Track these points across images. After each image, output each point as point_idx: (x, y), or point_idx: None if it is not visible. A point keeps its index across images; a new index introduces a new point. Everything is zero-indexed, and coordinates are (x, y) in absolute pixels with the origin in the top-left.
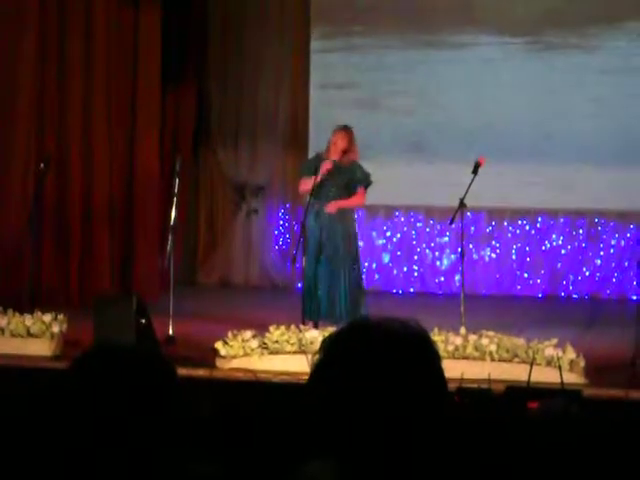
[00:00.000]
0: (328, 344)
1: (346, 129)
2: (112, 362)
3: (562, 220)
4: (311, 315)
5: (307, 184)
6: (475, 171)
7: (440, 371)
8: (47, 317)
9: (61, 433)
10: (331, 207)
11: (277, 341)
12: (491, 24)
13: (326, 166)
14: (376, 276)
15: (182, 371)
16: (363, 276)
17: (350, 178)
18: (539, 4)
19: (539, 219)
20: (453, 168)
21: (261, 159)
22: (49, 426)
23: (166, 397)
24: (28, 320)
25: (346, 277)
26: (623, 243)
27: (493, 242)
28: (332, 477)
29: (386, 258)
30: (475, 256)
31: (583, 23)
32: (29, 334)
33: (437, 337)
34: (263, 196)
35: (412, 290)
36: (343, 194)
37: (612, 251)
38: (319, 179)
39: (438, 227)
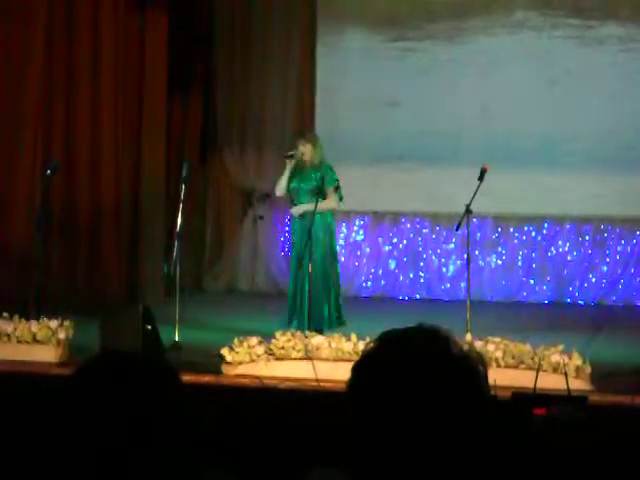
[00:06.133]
0: (362, 364)
1: (304, 136)
2: (116, 368)
3: (568, 226)
4: (293, 321)
5: (278, 184)
6: (481, 177)
7: (482, 393)
8: (53, 323)
9: (64, 439)
10: (295, 210)
11: (283, 347)
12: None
13: (288, 161)
14: (382, 282)
15: (188, 377)
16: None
17: (320, 182)
18: None
19: (545, 225)
20: (459, 174)
21: (268, 165)
22: (52, 432)
23: (169, 403)
24: (34, 326)
25: (327, 282)
26: (629, 249)
27: (499, 248)
28: None
29: (392, 264)
30: (481, 262)
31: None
32: (35, 340)
33: None
34: (270, 202)
35: (418, 296)
36: (315, 198)
37: (618, 257)
38: (287, 173)
39: (444, 233)
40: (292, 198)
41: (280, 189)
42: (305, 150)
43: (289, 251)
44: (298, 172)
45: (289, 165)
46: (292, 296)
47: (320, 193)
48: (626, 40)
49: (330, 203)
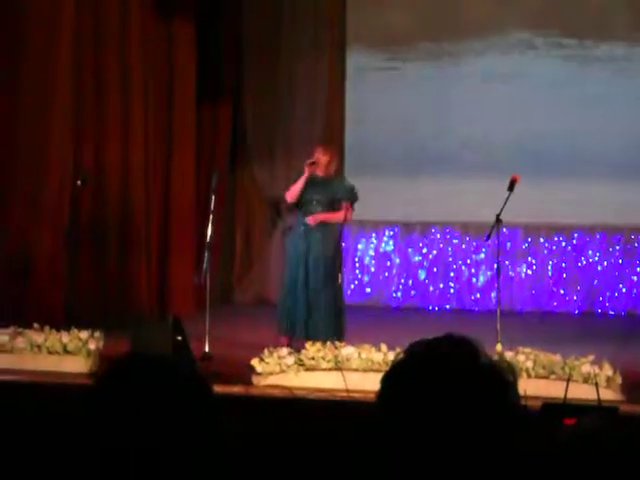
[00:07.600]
0: (392, 374)
1: (325, 145)
2: (147, 375)
3: (598, 236)
4: (287, 331)
5: (293, 189)
6: (511, 187)
7: (512, 403)
8: (84, 334)
9: (93, 448)
10: (312, 219)
11: (313, 358)
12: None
13: (308, 168)
14: (412, 293)
15: (218, 388)
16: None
17: (334, 194)
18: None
19: (575, 235)
20: (489, 184)
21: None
22: (81, 442)
23: (201, 413)
24: (65, 337)
25: (326, 295)
26: None
27: (529, 258)
28: None
29: (422, 275)
30: (511, 272)
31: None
32: (65, 351)
33: None
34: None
35: (448, 307)
36: (328, 210)
37: None
38: (304, 180)
39: (474, 244)
40: (303, 208)
41: (293, 196)
42: (322, 159)
43: (290, 260)
44: (311, 182)
45: (307, 173)
46: (292, 305)
47: (334, 205)
48: (619, 60)
49: (347, 215)
